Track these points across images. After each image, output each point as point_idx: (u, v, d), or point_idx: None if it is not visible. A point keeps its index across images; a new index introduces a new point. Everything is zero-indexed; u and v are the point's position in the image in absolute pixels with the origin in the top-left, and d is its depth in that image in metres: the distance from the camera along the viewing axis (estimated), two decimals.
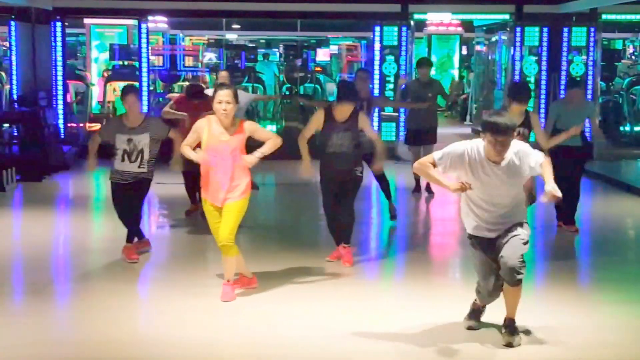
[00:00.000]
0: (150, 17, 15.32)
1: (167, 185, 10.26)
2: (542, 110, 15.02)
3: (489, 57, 20.17)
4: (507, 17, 15.83)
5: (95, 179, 11.46)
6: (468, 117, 22.01)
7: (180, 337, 5.35)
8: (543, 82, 14.95)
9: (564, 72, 14.83)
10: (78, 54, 19.83)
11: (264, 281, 6.47)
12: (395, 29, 14.84)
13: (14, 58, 14.21)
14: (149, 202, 9.75)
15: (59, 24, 14.59)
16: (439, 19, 21.50)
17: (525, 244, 5.24)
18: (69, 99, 15.20)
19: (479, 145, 5.21)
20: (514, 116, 6.74)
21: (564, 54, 14.79)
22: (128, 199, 7.23)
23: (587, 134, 9.84)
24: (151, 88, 15.38)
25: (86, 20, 16.97)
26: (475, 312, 5.66)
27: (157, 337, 5.40)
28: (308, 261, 7.27)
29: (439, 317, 5.82)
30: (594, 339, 5.50)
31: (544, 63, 14.94)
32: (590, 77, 14.78)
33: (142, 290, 6.73)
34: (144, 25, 14.83)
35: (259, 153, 6.14)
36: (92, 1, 14.97)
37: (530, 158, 5.23)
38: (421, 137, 10.89)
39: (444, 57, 25.31)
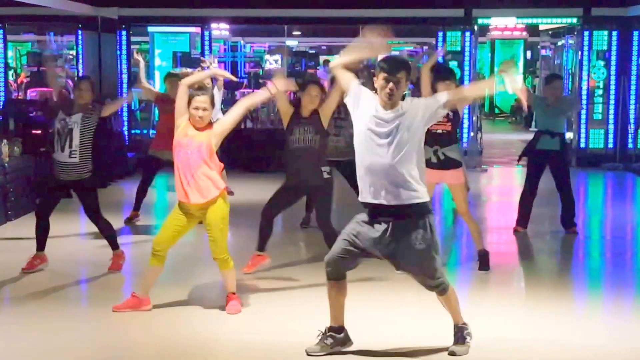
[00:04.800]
0: (213, 25, 15.43)
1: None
2: (612, 119, 14.66)
3: (555, 62, 19.78)
4: (574, 20, 15.47)
5: (158, 186, 11.52)
6: (533, 123, 21.60)
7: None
8: (612, 87, 14.57)
9: (634, 77, 14.43)
10: None
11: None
12: (459, 34, 14.68)
13: (80, 66, 14.54)
14: None
15: (124, 32, 14.84)
16: (503, 24, 21.15)
17: None
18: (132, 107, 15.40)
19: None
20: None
21: (634, 58, 14.41)
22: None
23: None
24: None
25: (150, 29, 17.19)
26: None
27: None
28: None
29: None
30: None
31: (613, 68, 14.57)
32: None
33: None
34: (207, 33, 14.99)
35: None
36: (156, 10, 15.16)
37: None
38: None
39: None
